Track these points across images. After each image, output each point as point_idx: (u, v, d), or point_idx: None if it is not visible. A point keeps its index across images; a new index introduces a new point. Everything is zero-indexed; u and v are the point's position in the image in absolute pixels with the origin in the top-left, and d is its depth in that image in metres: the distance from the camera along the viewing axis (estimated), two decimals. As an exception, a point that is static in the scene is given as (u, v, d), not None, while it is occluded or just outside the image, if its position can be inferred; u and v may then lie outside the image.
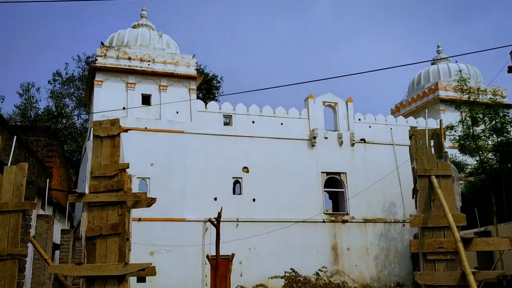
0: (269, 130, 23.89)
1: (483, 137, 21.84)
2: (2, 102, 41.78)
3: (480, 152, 21.80)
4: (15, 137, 8.28)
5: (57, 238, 13.77)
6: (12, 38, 62.95)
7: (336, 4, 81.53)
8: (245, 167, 23.05)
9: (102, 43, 23.93)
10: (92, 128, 6.67)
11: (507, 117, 21.86)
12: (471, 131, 22.09)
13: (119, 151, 5.99)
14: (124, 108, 22.11)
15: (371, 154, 25.05)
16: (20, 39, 63.89)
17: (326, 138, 24.60)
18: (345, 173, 24.46)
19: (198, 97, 25.71)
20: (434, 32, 73.23)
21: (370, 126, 25.66)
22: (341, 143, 24.73)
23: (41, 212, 11.80)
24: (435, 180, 6.00)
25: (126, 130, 6.16)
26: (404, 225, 24.16)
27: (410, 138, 6.36)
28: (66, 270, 6.22)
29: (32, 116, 32.52)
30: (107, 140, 5.98)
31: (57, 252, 14.20)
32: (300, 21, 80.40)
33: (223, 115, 23.74)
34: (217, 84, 36.38)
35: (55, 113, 31.93)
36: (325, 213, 23.81)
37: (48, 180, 13.52)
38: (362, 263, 23.40)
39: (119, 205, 5.68)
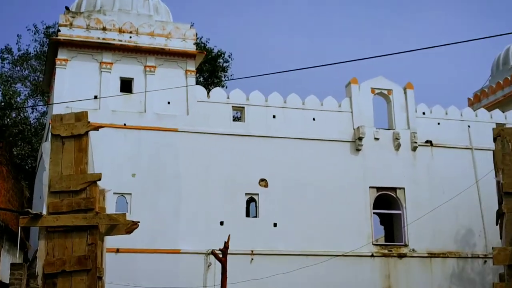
0: (296, 128, 23.88)
1: None
2: None
3: None
4: None
5: (5, 275, 13.94)
6: None
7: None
8: (262, 180, 23.06)
9: (67, 8, 24.16)
10: (50, 125, 6.75)
11: None
12: None
13: (87, 157, 6.04)
14: (96, 97, 22.32)
15: (441, 162, 24.89)
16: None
17: (376, 139, 24.48)
18: (403, 188, 24.32)
19: (198, 82, 25.83)
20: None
21: (438, 123, 25.52)
22: (397, 147, 24.59)
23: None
24: (529, 199, 5.93)
25: (97, 128, 6.23)
26: (486, 261, 23.91)
27: (494, 140, 6.29)
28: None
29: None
30: (71, 142, 6.03)
31: (5, 295, 14.36)
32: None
33: (233, 106, 23.81)
34: (225, 64, 36.54)
35: (2, 103, 32.36)
36: (375, 244, 23.72)
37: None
38: (426, 314, 23.27)
39: (88, 231, 5.73)
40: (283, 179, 23.16)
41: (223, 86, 32.83)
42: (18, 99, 33.16)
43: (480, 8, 78.77)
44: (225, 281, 14.58)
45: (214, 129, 23.10)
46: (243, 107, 23.91)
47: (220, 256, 15.00)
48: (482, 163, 24.05)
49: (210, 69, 35.50)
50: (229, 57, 36.56)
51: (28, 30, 35.83)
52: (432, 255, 23.95)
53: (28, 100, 34.28)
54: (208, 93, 23.94)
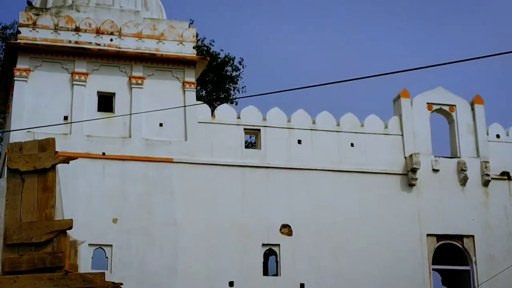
0: (328, 157, 23.91)
1: None
2: None
3: None
4: None
5: None
6: None
7: None
8: (285, 226, 23.02)
9: (29, 3, 24.42)
10: (6, 156, 6.81)
11: None
12: None
13: (54, 198, 6.05)
14: (66, 119, 22.48)
15: (522, 200, 24.77)
16: None
17: (435, 170, 24.43)
18: (472, 236, 24.20)
19: (199, 97, 25.94)
20: None
21: (518, 149, 25.45)
22: (464, 181, 24.50)
23: None
24: None
25: (68, 160, 6.25)
26: None
27: None
28: None
29: None
30: (33, 178, 6.06)
31: None
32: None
33: (245, 129, 23.90)
34: (234, 73, 36.63)
35: None
36: (436, 311, 23.57)
37: None
38: None
39: (55, 297, 5.72)
40: (312, 224, 23.11)
41: (232, 102, 32.94)
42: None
43: None
44: None
45: (220, 158, 23.18)
46: (259, 130, 23.99)
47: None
48: None
49: (215, 80, 35.60)
50: (240, 64, 36.64)
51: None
52: (512, 325, 23.75)
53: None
54: (212, 111, 24.08)
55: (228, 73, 36.37)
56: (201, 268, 22.04)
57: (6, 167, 6.25)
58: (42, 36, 23.26)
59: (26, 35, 23.21)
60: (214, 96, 34.67)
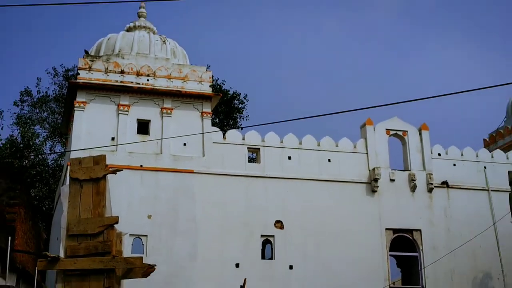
0: (311, 169, 23.86)
1: None
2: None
3: None
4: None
5: (20, 318, 13.84)
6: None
7: (400, 10, 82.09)
8: (278, 221, 22.95)
9: (86, 52, 24.52)
10: (68, 167, 6.80)
11: None
12: None
13: (104, 200, 6.07)
14: (113, 139, 22.49)
15: (457, 203, 24.72)
16: (-22, 47, 66.04)
17: (392, 180, 24.38)
18: (419, 230, 24.10)
19: (213, 124, 25.96)
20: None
21: (454, 164, 25.41)
22: (413, 188, 24.45)
23: (0, 282, 11.93)
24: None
25: (115, 171, 6.26)
26: (506, 305, 23.49)
27: (510, 183, 6.25)
28: None
29: (-10, 149, 33.22)
30: (89, 185, 6.08)
31: None
32: (348, 29, 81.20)
33: (248, 148, 23.87)
34: (240, 106, 36.65)
35: (21, 145, 32.62)
36: (392, 287, 23.44)
37: (9, 237, 13.74)
38: None
39: (105, 275, 5.72)
40: (299, 220, 23.05)
41: (238, 128, 32.88)
42: (37, 141, 33.36)
43: (495, 49, 79.07)
44: (241, 324, 14.40)
45: (229, 170, 23.13)
46: (259, 148, 23.95)
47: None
48: (499, 205, 23.89)
49: (226, 111, 35.59)
50: (245, 98, 36.57)
51: (47, 73, 36.07)
52: (450, 299, 23.60)
53: (47, 142, 34.43)
54: (223, 134, 24.04)
55: (236, 105, 36.41)
56: (214, 254, 21.96)
57: (68, 177, 6.25)
58: (96, 77, 23.33)
59: (84, 76, 23.29)
60: (225, 123, 34.65)
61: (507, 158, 26.05)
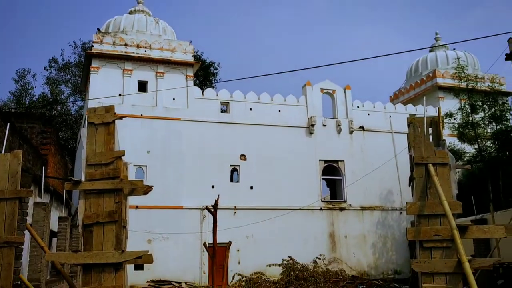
0: (266, 118, 23.87)
1: (482, 125, 21.84)
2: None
3: (479, 140, 21.83)
4: (8, 124, 8.22)
5: (54, 225, 13.82)
6: (9, 25, 62.46)
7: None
8: (242, 155, 23.07)
9: (98, 30, 23.78)
10: (87, 115, 6.66)
11: (506, 105, 21.84)
12: (470, 119, 22.09)
13: (114, 139, 5.99)
14: (120, 95, 22.03)
15: (370, 142, 25.07)
16: (17, 26, 63.40)
17: (324, 125, 24.59)
18: (343, 161, 24.51)
19: (195, 84, 25.60)
20: (433, 20, 72.95)
21: (368, 114, 25.65)
22: (339, 131, 24.73)
23: (37, 199, 11.83)
24: (431, 168, 6.03)
25: (121, 117, 6.16)
26: (401, 212, 24.25)
27: (408, 126, 6.37)
28: (63, 257, 6.25)
29: (27, 102, 32.38)
30: (102, 127, 5.98)
31: (55, 240, 14.25)
32: (297, 10, 79.91)
33: (220, 102, 23.68)
34: (214, 71, 36.19)
35: (50, 99, 31.78)
36: (323, 201, 23.88)
37: (43, 167, 13.52)
38: (359, 250, 23.55)
39: (115, 193, 5.70)
40: (257, 154, 23.21)
41: (213, 87, 32.58)
42: (62, 96, 32.91)
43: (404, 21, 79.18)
44: (215, 228, 14.60)
45: (207, 118, 22.98)
46: (228, 102, 23.78)
47: (212, 210, 14.99)
48: (400, 143, 24.35)
49: (204, 75, 35.18)
50: (218, 66, 36.24)
51: (69, 45, 35.64)
52: (363, 209, 24.26)
53: (70, 97, 33.85)
54: (202, 92, 23.75)
55: (211, 71, 35.97)
56: (196, 178, 22.06)
57: (86, 122, 6.13)
58: (106, 48, 22.67)
59: (97, 47, 22.60)
60: (203, 83, 34.23)
61: (406, 110, 26.46)
